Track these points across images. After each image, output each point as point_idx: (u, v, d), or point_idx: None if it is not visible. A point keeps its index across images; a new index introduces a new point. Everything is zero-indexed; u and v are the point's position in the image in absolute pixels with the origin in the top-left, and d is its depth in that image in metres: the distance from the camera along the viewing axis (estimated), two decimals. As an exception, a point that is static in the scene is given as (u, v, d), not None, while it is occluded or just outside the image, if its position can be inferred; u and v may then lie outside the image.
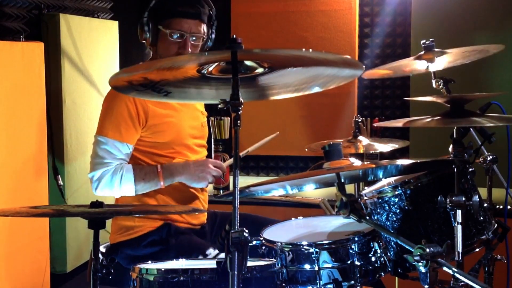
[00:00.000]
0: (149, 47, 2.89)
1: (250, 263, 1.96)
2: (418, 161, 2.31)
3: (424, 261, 1.71)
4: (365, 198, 2.46)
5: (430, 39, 2.82)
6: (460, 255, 2.17)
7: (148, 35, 2.79)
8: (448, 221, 2.24)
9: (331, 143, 2.19)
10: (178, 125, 2.84)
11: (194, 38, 2.80)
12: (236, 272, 1.70)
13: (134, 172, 2.74)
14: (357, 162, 2.30)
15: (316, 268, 2.16)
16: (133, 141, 2.77)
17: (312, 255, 2.16)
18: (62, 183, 3.63)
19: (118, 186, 2.73)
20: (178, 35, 2.77)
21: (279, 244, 2.22)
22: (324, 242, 2.19)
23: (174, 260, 2.28)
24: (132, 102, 2.72)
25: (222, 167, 2.84)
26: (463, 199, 2.15)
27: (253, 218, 2.94)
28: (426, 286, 1.75)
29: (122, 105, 2.72)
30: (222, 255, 2.59)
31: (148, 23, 2.77)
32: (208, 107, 4.68)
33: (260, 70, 1.93)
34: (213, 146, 4.27)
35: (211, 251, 2.69)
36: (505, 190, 2.77)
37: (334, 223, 2.51)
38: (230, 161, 3.00)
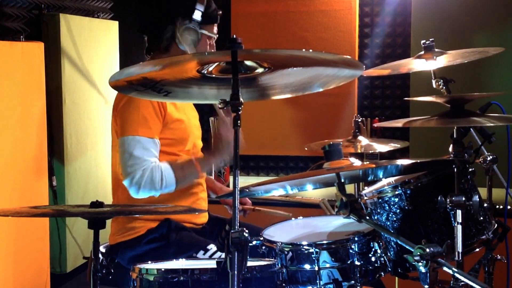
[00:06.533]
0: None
1: (250, 263, 1.96)
2: (418, 161, 2.31)
3: (424, 261, 1.71)
4: (365, 198, 2.46)
5: (430, 39, 2.82)
6: (460, 255, 2.17)
7: (195, 38, 2.80)
8: (448, 221, 2.24)
9: (331, 143, 2.18)
10: (188, 122, 2.83)
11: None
12: (236, 272, 1.70)
13: (172, 167, 2.66)
14: (357, 162, 2.30)
15: (316, 268, 2.16)
16: (158, 136, 2.71)
17: (312, 255, 2.16)
18: (56, 184, 3.61)
19: (159, 184, 2.62)
20: (214, 37, 2.85)
21: (279, 244, 2.22)
22: (324, 242, 2.19)
23: (174, 260, 2.28)
24: None
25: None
26: (463, 199, 2.15)
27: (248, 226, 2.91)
28: (426, 286, 1.75)
29: (145, 99, 2.64)
30: (222, 254, 2.58)
31: (194, 28, 2.79)
32: (209, 107, 4.66)
33: (260, 70, 1.93)
34: (212, 146, 4.26)
35: (212, 246, 2.68)
36: (505, 190, 2.77)
37: (334, 223, 2.50)
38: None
